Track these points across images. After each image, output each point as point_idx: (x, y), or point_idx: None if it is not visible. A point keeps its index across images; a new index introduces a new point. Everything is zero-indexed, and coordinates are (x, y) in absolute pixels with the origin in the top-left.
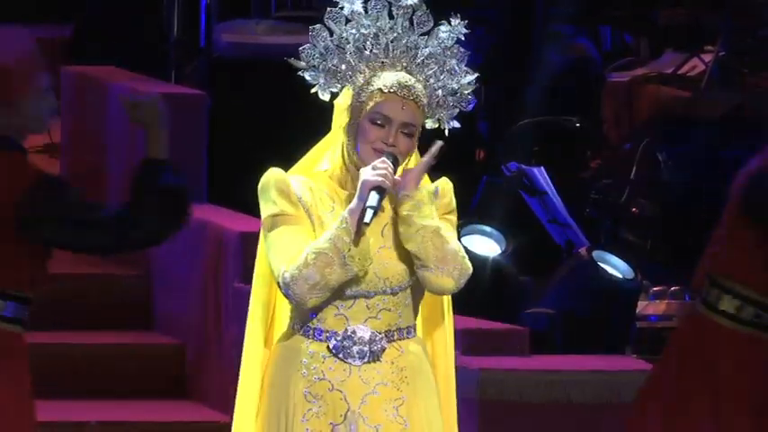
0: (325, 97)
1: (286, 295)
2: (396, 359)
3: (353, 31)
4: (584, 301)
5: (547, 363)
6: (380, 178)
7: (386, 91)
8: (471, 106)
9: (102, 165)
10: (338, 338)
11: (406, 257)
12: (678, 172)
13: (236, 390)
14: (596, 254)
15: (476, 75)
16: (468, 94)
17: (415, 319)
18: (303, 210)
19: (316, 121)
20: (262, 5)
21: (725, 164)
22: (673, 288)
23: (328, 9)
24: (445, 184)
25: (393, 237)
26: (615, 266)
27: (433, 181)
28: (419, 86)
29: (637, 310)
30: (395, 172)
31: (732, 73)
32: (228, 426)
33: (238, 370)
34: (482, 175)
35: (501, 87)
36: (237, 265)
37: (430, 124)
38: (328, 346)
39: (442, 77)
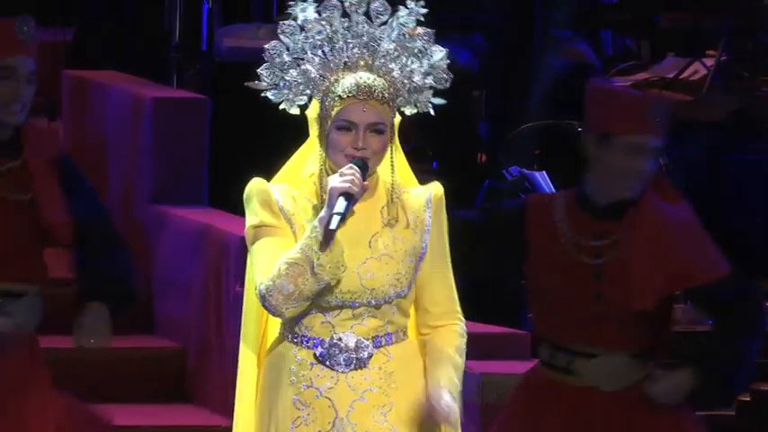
0: (294, 111)
1: (264, 307)
2: (383, 365)
3: (308, 39)
4: None
5: None
6: (347, 184)
7: (345, 96)
8: (449, 82)
9: (103, 168)
10: (324, 346)
11: (395, 271)
12: (680, 176)
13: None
14: None
15: (446, 50)
16: (443, 70)
17: (407, 320)
18: (285, 220)
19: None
20: (263, 10)
21: (726, 167)
22: None
23: (280, 23)
24: (437, 192)
25: (381, 248)
26: None
27: (422, 183)
28: (379, 83)
29: None
30: (365, 176)
31: (733, 77)
32: (229, 429)
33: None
34: (484, 180)
35: (502, 92)
36: (238, 268)
37: (409, 111)
38: (315, 354)
39: (410, 63)
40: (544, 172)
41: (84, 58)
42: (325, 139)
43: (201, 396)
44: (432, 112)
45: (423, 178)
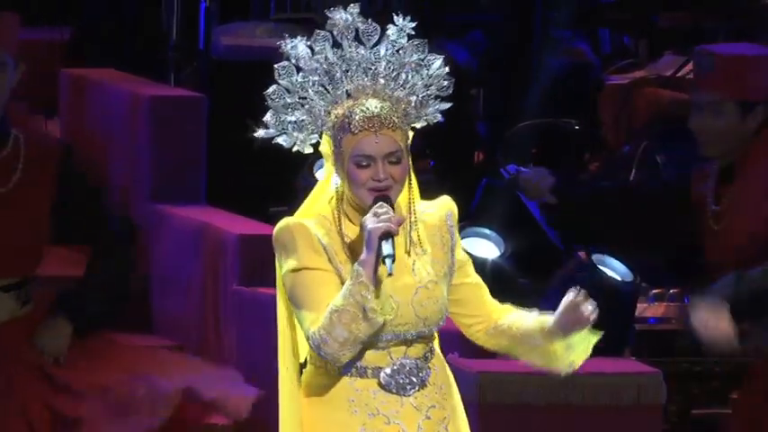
0: (308, 151)
1: (319, 355)
2: (434, 379)
3: (306, 78)
4: None
5: None
6: (385, 224)
7: (356, 132)
8: (452, 87)
9: (101, 167)
10: (388, 373)
11: (441, 296)
12: (674, 173)
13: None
14: (595, 256)
15: (442, 57)
16: (444, 77)
17: None
18: (326, 257)
19: None
20: (260, 8)
21: None
22: (672, 290)
23: (276, 67)
24: (454, 209)
25: (425, 275)
26: (614, 269)
27: (425, 196)
28: (386, 109)
29: (636, 313)
30: (393, 207)
31: None
32: (227, 428)
33: (237, 373)
34: (481, 178)
35: (500, 90)
36: (236, 266)
37: (419, 125)
38: (379, 382)
39: (411, 78)
40: None
41: (81, 56)
42: (344, 175)
43: None
44: (441, 118)
45: (421, 178)
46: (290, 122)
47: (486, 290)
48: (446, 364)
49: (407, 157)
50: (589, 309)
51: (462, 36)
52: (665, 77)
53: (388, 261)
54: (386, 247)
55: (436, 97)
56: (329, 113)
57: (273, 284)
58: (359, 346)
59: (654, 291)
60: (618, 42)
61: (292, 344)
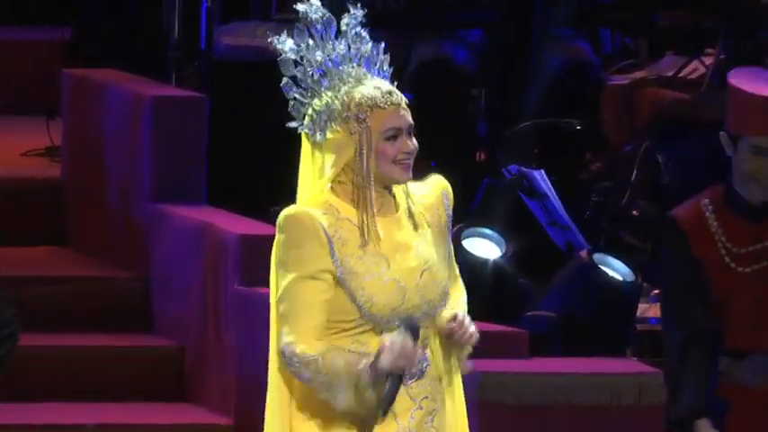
0: (322, 138)
1: (286, 365)
2: (432, 370)
3: (304, 70)
4: (584, 304)
5: (547, 365)
6: (403, 367)
7: (385, 106)
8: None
9: (102, 167)
10: None
11: (443, 278)
12: (679, 174)
13: (238, 393)
14: (597, 256)
15: (362, 11)
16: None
17: None
18: (328, 249)
19: None
20: (262, 8)
21: (725, 166)
22: None
23: (279, 62)
24: (448, 188)
25: (428, 258)
26: (616, 269)
27: (418, 178)
28: (392, 86)
29: (637, 313)
30: (418, 336)
31: None
32: (227, 428)
33: (238, 372)
34: (482, 178)
35: (500, 90)
36: (237, 267)
37: None
38: None
39: (379, 55)
40: (543, 170)
41: (82, 56)
42: (371, 154)
43: (200, 395)
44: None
45: (422, 177)
46: (308, 113)
47: (454, 282)
48: (448, 355)
49: None
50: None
51: (462, 34)
52: (666, 77)
53: (385, 406)
54: (392, 388)
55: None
56: (340, 100)
57: None
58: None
59: (655, 291)
60: (619, 43)
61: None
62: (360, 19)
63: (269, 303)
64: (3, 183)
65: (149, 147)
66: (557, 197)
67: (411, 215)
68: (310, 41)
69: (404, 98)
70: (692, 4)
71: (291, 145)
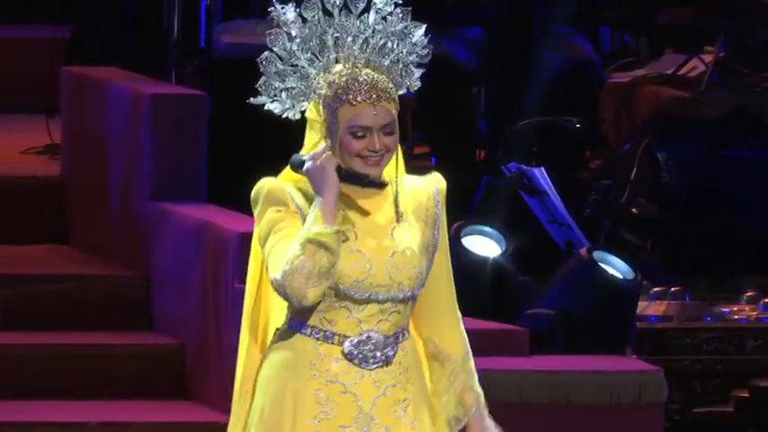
0: (297, 117)
1: (284, 297)
2: (402, 359)
3: (298, 45)
4: (584, 302)
5: (547, 363)
6: (327, 164)
7: (355, 103)
8: (428, 54)
9: (102, 165)
10: (353, 343)
11: (417, 264)
12: (678, 172)
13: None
14: (596, 254)
15: (424, 25)
16: (424, 45)
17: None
18: (300, 217)
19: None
20: (261, 6)
21: (725, 164)
22: (673, 288)
23: (268, 33)
24: (442, 185)
25: (404, 241)
26: (615, 267)
27: (414, 173)
28: (381, 80)
29: (637, 311)
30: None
31: (732, 74)
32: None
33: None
34: (482, 176)
35: (501, 88)
36: (237, 265)
37: (401, 92)
38: (342, 351)
39: (396, 47)
40: (543, 168)
41: (82, 54)
42: (337, 145)
43: (200, 393)
44: (419, 85)
45: (422, 174)
46: (281, 89)
47: (448, 283)
48: (418, 352)
49: (398, 126)
50: None
51: (462, 33)
52: (666, 76)
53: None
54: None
55: (417, 66)
56: (321, 81)
57: None
58: (324, 281)
59: (655, 289)
60: (618, 41)
61: (260, 305)
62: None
63: None
64: (2, 181)
65: (149, 145)
66: (556, 195)
67: (396, 204)
68: (318, 12)
69: (389, 95)
70: (692, 3)
71: (292, 142)
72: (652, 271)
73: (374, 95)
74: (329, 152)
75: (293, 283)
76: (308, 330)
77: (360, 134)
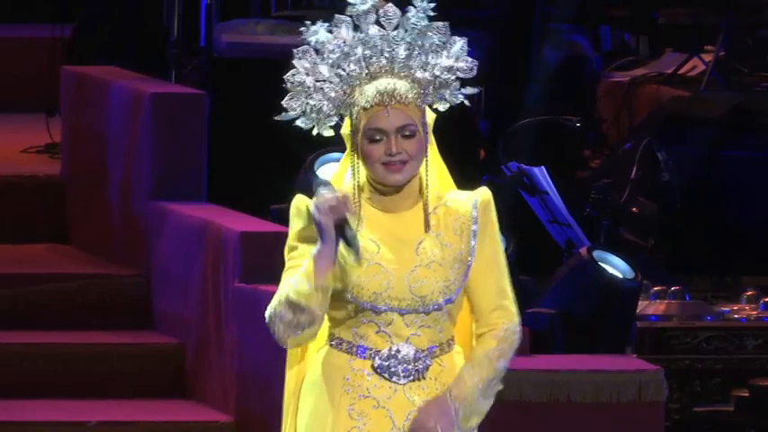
0: (328, 133)
1: (271, 333)
2: (438, 375)
3: (325, 60)
4: (584, 301)
5: (547, 362)
6: (322, 217)
7: (368, 106)
8: (475, 69)
9: (102, 164)
10: (383, 357)
11: (444, 278)
12: (678, 172)
13: (238, 390)
14: (596, 253)
15: (464, 39)
16: (466, 59)
17: (454, 329)
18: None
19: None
20: (261, 5)
21: (725, 163)
22: (673, 288)
23: (295, 51)
24: (484, 196)
25: (429, 255)
26: (615, 266)
27: (461, 187)
28: (401, 85)
29: (637, 310)
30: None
31: (732, 73)
32: (228, 425)
33: (238, 369)
34: (482, 175)
35: (501, 87)
36: (237, 264)
37: (442, 107)
38: (372, 365)
39: (430, 60)
40: (543, 167)
41: (82, 54)
42: (360, 154)
43: (200, 392)
44: (467, 102)
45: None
46: (308, 105)
47: (493, 285)
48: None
49: (424, 134)
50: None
51: (462, 32)
52: (666, 75)
53: (353, 253)
54: (345, 238)
55: (458, 79)
56: (346, 94)
57: (275, 282)
58: (301, 332)
59: (655, 288)
60: (619, 40)
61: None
62: (427, 12)
63: (269, 301)
64: (2, 180)
65: (149, 144)
66: (557, 194)
67: (428, 216)
68: (347, 30)
69: (406, 99)
70: (692, 2)
71: (292, 142)
72: (652, 271)
73: (386, 98)
74: (338, 200)
75: (274, 327)
76: (343, 345)
77: (377, 137)
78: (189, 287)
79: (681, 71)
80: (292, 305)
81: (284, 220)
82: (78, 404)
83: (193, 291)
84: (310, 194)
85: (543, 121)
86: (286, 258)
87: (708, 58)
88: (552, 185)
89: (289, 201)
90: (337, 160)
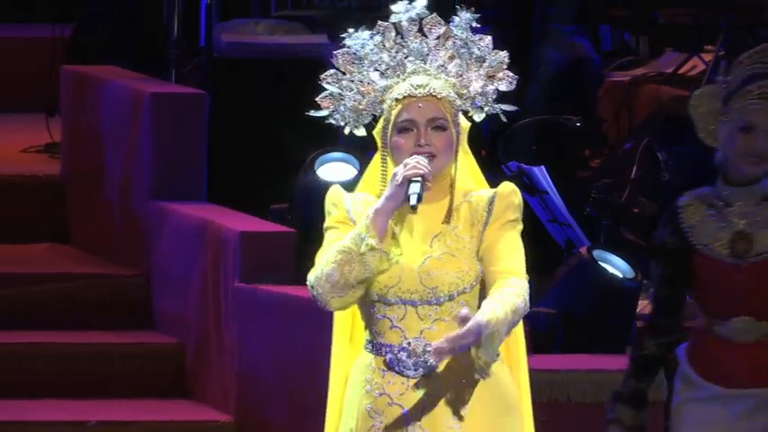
0: (360, 132)
1: (313, 297)
2: (457, 369)
3: (365, 65)
4: (584, 301)
5: (547, 362)
6: (412, 170)
7: (401, 98)
8: (515, 83)
9: (102, 164)
10: (394, 351)
11: (457, 269)
12: (678, 172)
13: (238, 390)
14: (596, 253)
15: (505, 53)
16: (506, 72)
17: None
18: (352, 223)
19: (315, 121)
20: (261, 5)
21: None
22: None
23: (335, 54)
24: (502, 189)
25: (443, 247)
26: (615, 266)
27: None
28: (434, 81)
29: (637, 310)
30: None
31: None
32: (227, 425)
33: (238, 369)
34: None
35: None
36: (237, 264)
37: (478, 117)
38: (385, 360)
39: (468, 69)
40: (543, 167)
41: (82, 53)
42: (390, 148)
43: (200, 392)
44: (503, 118)
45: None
46: (343, 103)
47: (505, 252)
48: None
49: (455, 130)
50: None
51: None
52: (666, 74)
53: (413, 197)
54: (413, 186)
55: (497, 88)
56: (383, 92)
57: (274, 282)
58: (348, 291)
59: None
60: (619, 40)
61: (349, 330)
62: (470, 23)
63: (269, 300)
64: (2, 180)
65: (149, 144)
66: (557, 194)
67: (452, 210)
68: (389, 36)
69: (438, 94)
70: (692, 2)
71: (292, 141)
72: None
73: (419, 91)
74: (425, 166)
75: (318, 289)
76: (368, 346)
77: (407, 128)
78: (189, 287)
79: (681, 71)
80: (345, 260)
81: (284, 220)
82: (78, 404)
83: (193, 291)
84: (310, 194)
85: (543, 121)
86: (325, 236)
87: (708, 57)
88: (552, 185)
89: (289, 201)
90: (337, 160)
